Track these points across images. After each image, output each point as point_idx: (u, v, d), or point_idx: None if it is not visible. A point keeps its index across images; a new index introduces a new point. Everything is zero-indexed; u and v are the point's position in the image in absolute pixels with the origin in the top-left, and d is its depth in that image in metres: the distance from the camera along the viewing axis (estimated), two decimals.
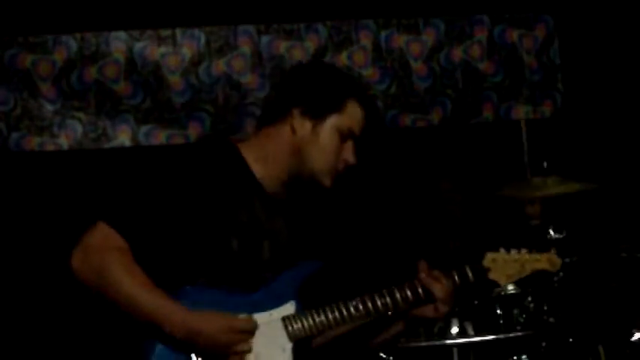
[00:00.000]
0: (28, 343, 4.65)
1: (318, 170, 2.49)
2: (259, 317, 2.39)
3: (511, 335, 3.79)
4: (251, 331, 2.36)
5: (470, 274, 2.54)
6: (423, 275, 2.50)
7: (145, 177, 2.43)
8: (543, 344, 3.77)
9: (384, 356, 3.75)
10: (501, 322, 3.85)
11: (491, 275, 2.57)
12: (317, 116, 2.48)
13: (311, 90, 2.51)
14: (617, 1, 5.19)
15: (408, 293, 2.50)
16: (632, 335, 3.70)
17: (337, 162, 2.50)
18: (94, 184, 4.82)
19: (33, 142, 4.94)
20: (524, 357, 3.77)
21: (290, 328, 2.42)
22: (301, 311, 2.46)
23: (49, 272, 4.62)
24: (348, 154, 2.50)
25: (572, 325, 3.78)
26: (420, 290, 2.49)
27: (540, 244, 2.65)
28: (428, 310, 2.51)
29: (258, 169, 2.51)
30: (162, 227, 2.37)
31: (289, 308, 2.45)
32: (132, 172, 2.55)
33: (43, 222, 4.79)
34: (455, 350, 3.76)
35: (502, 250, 2.59)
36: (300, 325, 2.43)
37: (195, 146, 2.54)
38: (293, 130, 2.48)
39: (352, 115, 2.50)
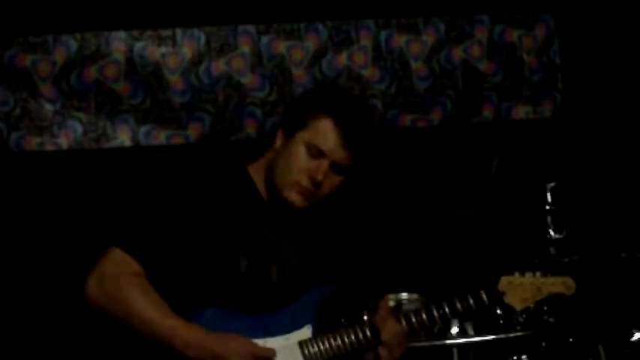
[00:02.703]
0: (28, 347, 4.64)
1: (280, 181, 2.49)
2: (275, 341, 2.41)
3: (511, 335, 3.79)
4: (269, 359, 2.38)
5: (485, 299, 2.57)
6: (374, 317, 2.50)
7: (154, 198, 2.45)
8: (543, 344, 3.77)
9: None
10: (501, 322, 3.85)
11: (507, 299, 2.61)
12: (289, 134, 2.53)
13: (289, 110, 2.60)
14: (618, 1, 5.18)
15: (359, 335, 2.49)
16: (632, 335, 3.70)
17: (300, 174, 2.47)
18: (94, 184, 4.82)
19: (33, 142, 4.94)
20: (524, 357, 3.76)
21: (307, 352, 2.43)
22: (317, 335, 2.47)
23: (52, 283, 4.63)
24: (316, 171, 2.46)
25: (572, 325, 3.78)
26: (367, 332, 2.48)
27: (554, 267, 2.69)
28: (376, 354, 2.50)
29: (263, 190, 2.55)
30: (174, 250, 2.38)
31: (306, 332, 2.47)
32: (141, 193, 2.58)
33: (43, 222, 4.78)
34: (455, 350, 3.76)
35: (517, 274, 2.62)
36: (316, 349, 2.44)
37: (205, 167, 2.54)
38: (274, 148, 2.56)
39: (319, 131, 2.48)
